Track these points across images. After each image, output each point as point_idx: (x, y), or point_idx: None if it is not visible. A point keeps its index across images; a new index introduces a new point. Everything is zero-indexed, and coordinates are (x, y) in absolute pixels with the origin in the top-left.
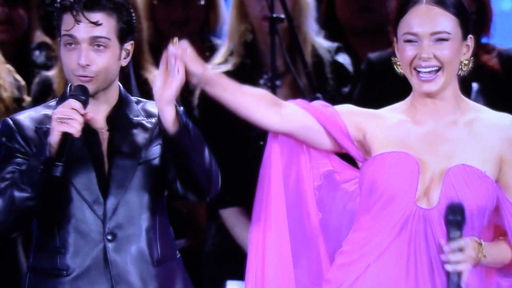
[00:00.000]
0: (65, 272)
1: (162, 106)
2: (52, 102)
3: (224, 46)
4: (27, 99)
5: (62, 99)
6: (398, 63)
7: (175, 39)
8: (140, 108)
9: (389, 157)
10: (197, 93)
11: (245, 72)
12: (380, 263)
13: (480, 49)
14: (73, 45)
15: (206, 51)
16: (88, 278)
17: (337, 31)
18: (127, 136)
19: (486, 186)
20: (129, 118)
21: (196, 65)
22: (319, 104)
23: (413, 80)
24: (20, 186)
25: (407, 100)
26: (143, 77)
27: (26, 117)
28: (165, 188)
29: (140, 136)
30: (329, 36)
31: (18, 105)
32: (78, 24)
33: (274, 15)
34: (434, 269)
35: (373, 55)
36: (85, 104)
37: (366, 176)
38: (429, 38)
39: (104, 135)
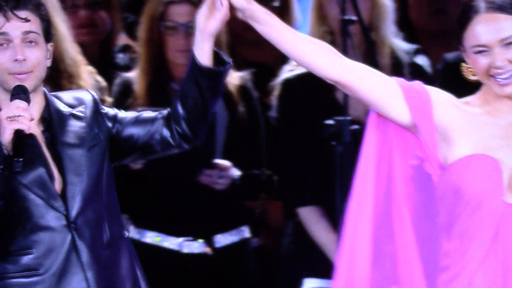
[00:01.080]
0: (39, 271)
1: (204, 37)
2: None
3: None
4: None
5: None
6: (469, 69)
7: None
8: (62, 102)
9: (469, 161)
10: (275, 93)
11: None
12: (481, 273)
13: None
14: (5, 45)
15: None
16: (64, 271)
17: (410, 34)
18: (66, 128)
19: None
20: (60, 112)
21: None
22: (418, 84)
23: (493, 86)
24: None
25: (479, 95)
26: None
27: None
28: (120, 159)
29: (77, 126)
30: (403, 39)
31: None
32: (9, 22)
33: (346, 17)
34: None
35: (449, 56)
36: (28, 102)
37: (448, 184)
38: (498, 45)
39: (42, 137)
